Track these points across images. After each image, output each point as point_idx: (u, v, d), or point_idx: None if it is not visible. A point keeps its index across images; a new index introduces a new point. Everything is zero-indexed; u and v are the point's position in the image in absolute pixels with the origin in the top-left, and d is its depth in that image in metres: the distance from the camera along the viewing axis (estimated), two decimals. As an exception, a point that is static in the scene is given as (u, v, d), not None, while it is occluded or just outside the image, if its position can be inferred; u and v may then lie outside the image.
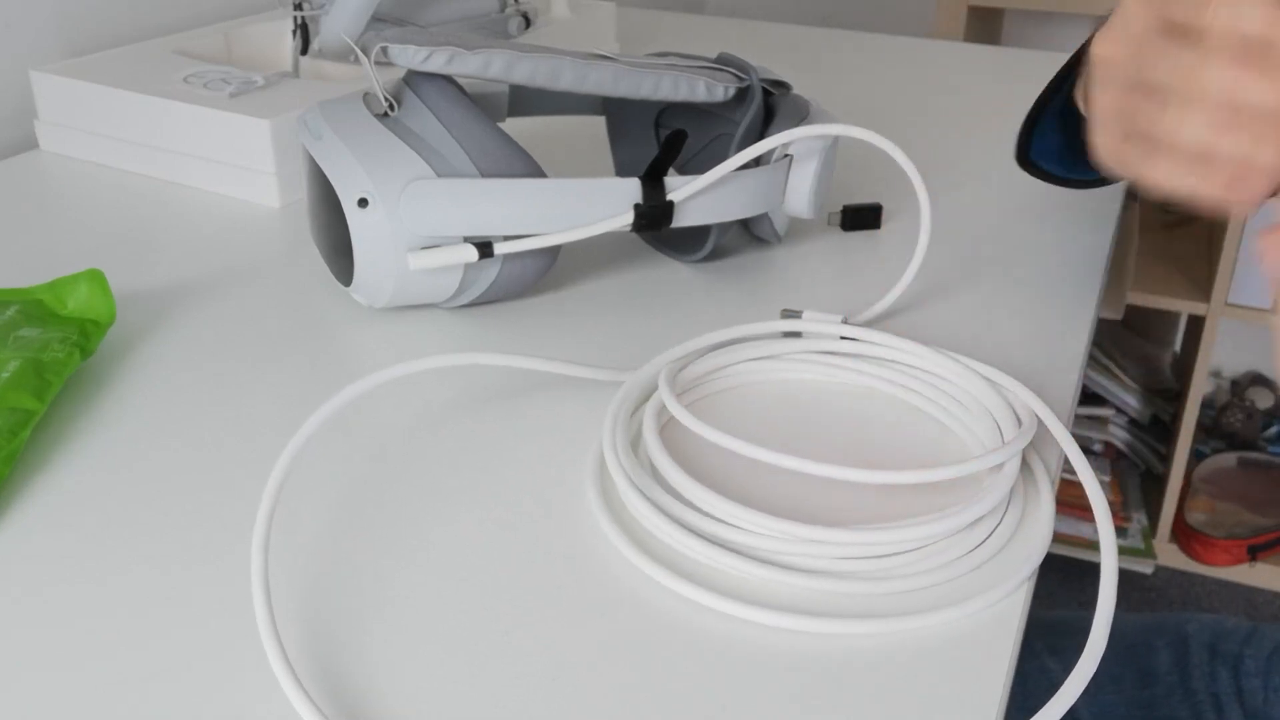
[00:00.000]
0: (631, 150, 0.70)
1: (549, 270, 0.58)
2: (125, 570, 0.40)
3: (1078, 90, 0.57)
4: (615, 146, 0.70)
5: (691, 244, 0.62)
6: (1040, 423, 0.48)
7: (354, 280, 0.54)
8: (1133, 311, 1.90)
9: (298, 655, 0.37)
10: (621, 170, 0.70)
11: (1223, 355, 1.97)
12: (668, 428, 0.48)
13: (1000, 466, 0.44)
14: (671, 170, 0.60)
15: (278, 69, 0.85)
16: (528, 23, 0.88)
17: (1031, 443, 0.47)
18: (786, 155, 0.60)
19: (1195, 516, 1.80)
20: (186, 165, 0.73)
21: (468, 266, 0.54)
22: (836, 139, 0.63)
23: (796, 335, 0.53)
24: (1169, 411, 1.87)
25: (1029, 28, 1.87)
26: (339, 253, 0.55)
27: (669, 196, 0.56)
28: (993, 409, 0.48)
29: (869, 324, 0.57)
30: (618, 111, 0.69)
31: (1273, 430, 1.91)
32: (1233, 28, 0.39)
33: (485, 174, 0.53)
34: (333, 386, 0.51)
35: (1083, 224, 0.70)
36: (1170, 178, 0.42)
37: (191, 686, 0.35)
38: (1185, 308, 1.71)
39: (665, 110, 0.69)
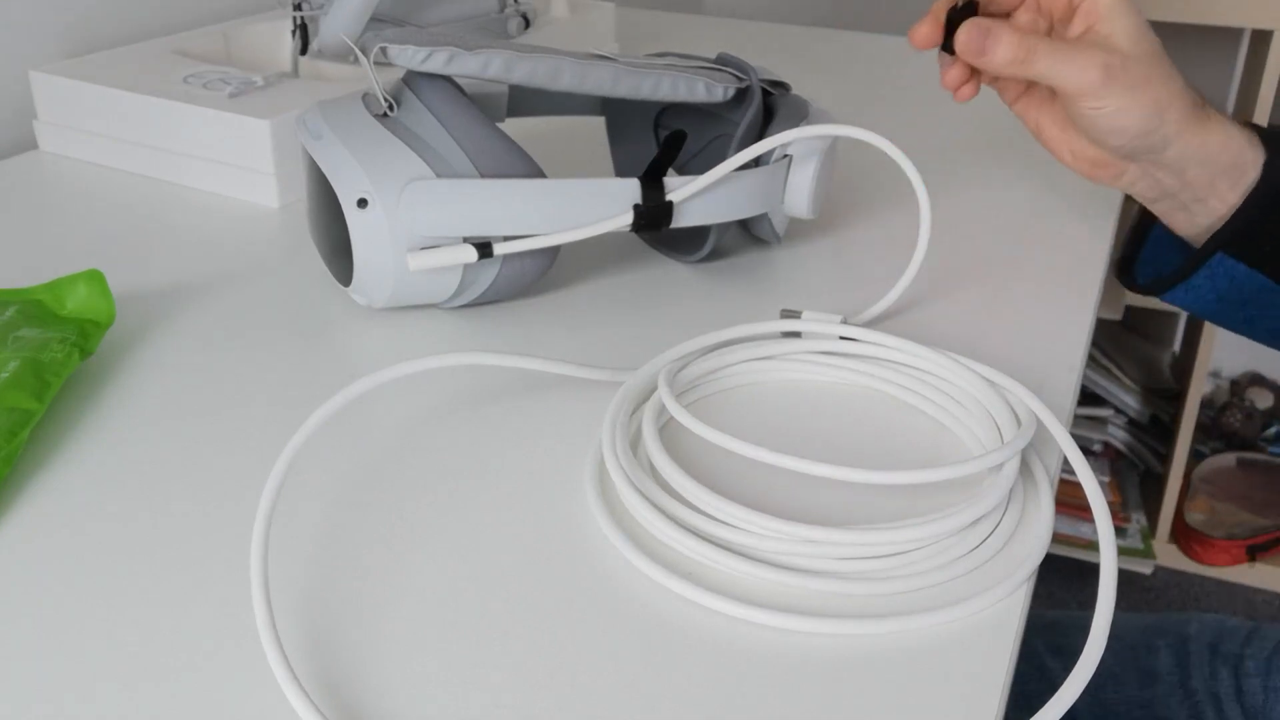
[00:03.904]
0: (631, 150, 0.70)
1: (549, 270, 0.58)
2: (124, 570, 0.40)
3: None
4: (615, 147, 0.70)
5: (691, 244, 0.62)
6: (1040, 423, 0.48)
7: (353, 280, 0.54)
8: (1132, 311, 1.90)
9: (298, 655, 0.37)
10: (621, 170, 0.70)
11: (1222, 355, 1.97)
12: (667, 428, 0.48)
13: (1000, 467, 0.44)
14: (671, 170, 0.60)
15: (277, 69, 0.85)
16: (527, 23, 0.88)
17: (1031, 443, 0.47)
18: (786, 155, 0.60)
19: (1194, 517, 1.80)
20: (186, 165, 0.73)
21: (467, 267, 0.54)
22: (836, 139, 0.63)
23: (796, 335, 0.53)
24: (1168, 412, 1.87)
25: (1028, 28, 1.87)
26: (338, 253, 0.55)
27: (668, 197, 0.56)
28: (992, 409, 0.48)
29: (868, 324, 0.57)
30: (617, 112, 0.69)
31: (1272, 430, 1.91)
32: None
33: (485, 174, 0.53)
34: (332, 386, 0.51)
35: (1082, 224, 0.70)
36: None
37: (191, 686, 0.35)
38: (1185, 308, 1.71)
39: (665, 110, 0.69)
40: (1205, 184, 0.57)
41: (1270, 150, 0.57)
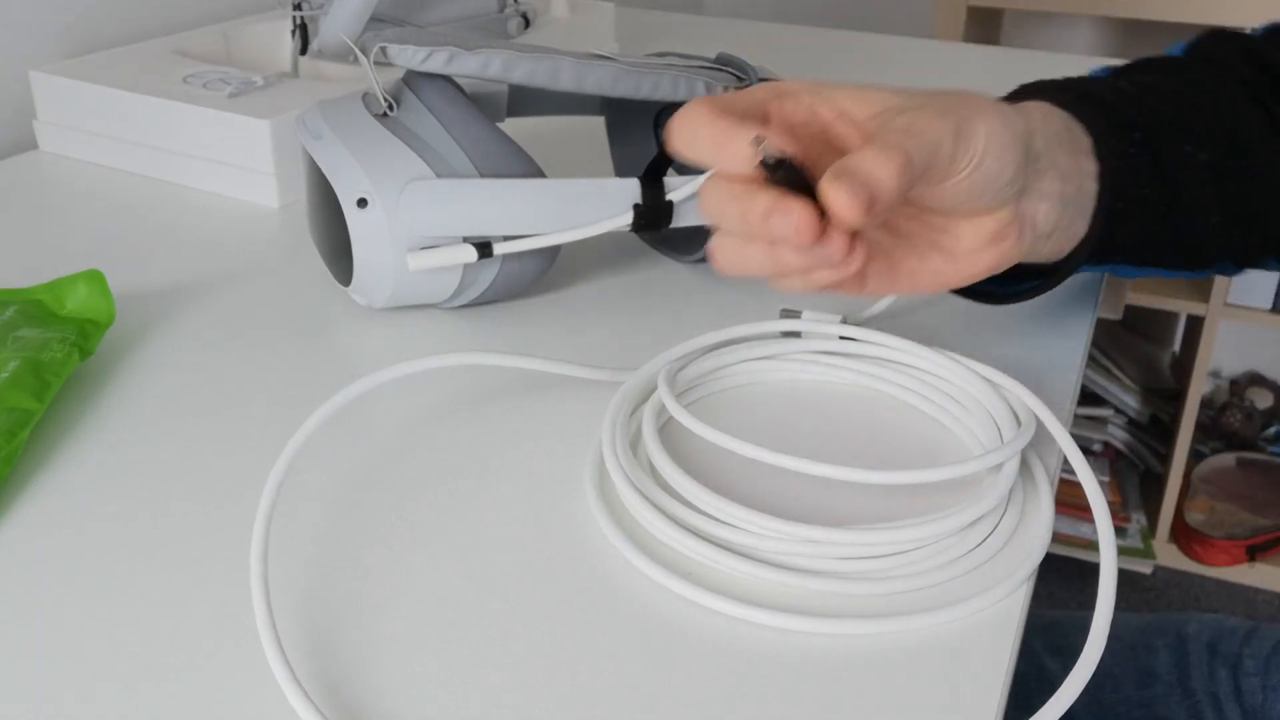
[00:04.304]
0: (631, 150, 0.70)
1: (548, 270, 0.58)
2: (124, 570, 0.40)
3: None
4: (615, 146, 0.70)
5: (691, 244, 0.62)
6: (1039, 423, 0.48)
7: (353, 280, 0.54)
8: (1132, 311, 1.90)
9: (297, 655, 0.37)
10: (621, 170, 0.70)
11: (1222, 355, 1.97)
12: (667, 428, 0.48)
13: (999, 467, 0.44)
14: (671, 170, 0.60)
15: (277, 69, 0.85)
16: (527, 23, 0.87)
17: (1031, 443, 0.47)
18: (786, 155, 0.59)
19: (1194, 516, 1.81)
20: (186, 165, 0.73)
21: (467, 266, 0.54)
22: (836, 139, 0.63)
23: (796, 335, 0.53)
24: (1168, 412, 1.87)
25: (1029, 28, 1.88)
26: (338, 253, 0.55)
27: (668, 196, 0.56)
28: (992, 409, 0.48)
29: (868, 324, 0.57)
30: (617, 111, 0.69)
31: (1272, 430, 1.91)
32: None
33: (484, 174, 0.53)
34: (332, 386, 0.51)
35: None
36: None
37: (191, 686, 0.35)
38: (1184, 308, 1.71)
39: (665, 110, 0.69)
40: (1075, 166, 0.47)
41: (1080, 118, 0.48)
